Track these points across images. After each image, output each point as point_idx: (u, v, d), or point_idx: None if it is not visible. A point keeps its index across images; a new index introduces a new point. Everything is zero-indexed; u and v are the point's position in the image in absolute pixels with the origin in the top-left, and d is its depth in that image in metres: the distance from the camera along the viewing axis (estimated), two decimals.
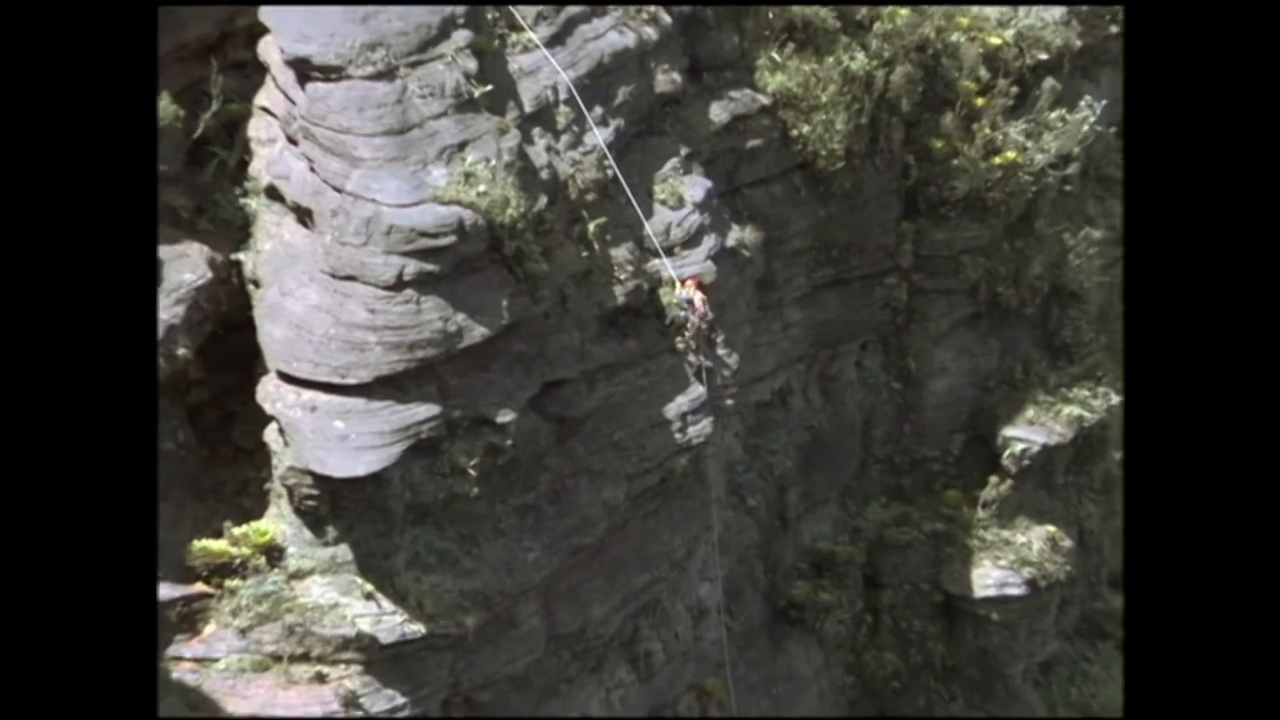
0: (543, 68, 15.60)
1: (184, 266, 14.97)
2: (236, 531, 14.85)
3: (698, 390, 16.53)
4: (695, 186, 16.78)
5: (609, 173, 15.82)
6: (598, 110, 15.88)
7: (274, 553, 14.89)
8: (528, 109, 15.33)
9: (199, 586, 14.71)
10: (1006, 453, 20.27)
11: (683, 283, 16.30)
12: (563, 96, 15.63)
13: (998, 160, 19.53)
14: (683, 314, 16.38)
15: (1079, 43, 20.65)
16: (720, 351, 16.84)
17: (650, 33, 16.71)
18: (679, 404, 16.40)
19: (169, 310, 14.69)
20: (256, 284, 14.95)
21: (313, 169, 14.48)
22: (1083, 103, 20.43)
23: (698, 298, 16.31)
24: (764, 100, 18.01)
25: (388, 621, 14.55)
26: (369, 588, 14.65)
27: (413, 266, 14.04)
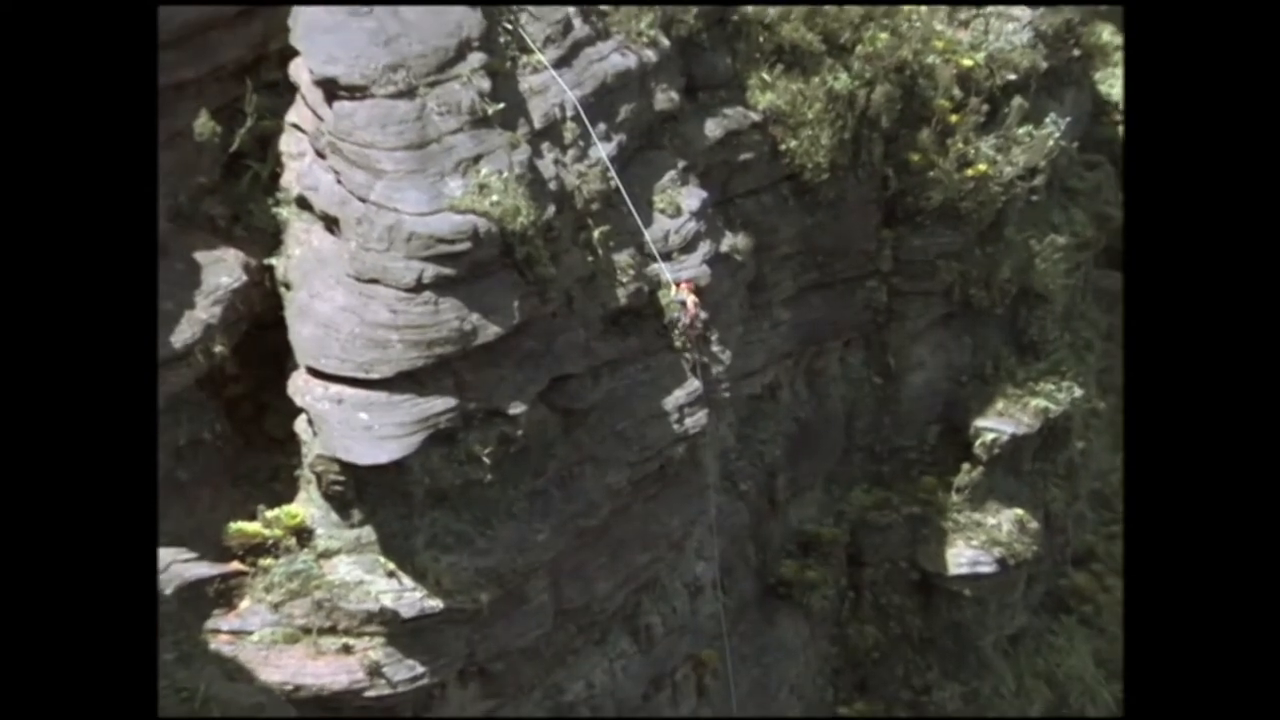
0: (551, 87, 15.61)
1: (221, 270, 15.00)
2: (269, 514, 14.91)
3: (694, 384, 16.55)
4: (691, 197, 16.78)
5: (612, 184, 15.83)
6: (601, 126, 15.89)
7: (304, 534, 14.93)
8: (537, 125, 15.33)
9: (235, 565, 14.76)
10: (978, 442, 20.30)
11: (677, 285, 16.30)
12: (569, 114, 15.64)
13: (970, 172, 19.54)
14: (676, 315, 16.39)
15: (1044, 64, 20.66)
16: (714, 348, 16.85)
17: (650, 55, 16.72)
18: (677, 397, 16.41)
19: (207, 311, 14.75)
20: (288, 287, 14.97)
21: (339, 181, 14.50)
22: (1048, 120, 20.45)
23: (690, 300, 16.32)
24: (755, 117, 18.01)
25: (408, 597, 14.58)
26: (391, 566, 14.68)
27: (431, 270, 14.05)
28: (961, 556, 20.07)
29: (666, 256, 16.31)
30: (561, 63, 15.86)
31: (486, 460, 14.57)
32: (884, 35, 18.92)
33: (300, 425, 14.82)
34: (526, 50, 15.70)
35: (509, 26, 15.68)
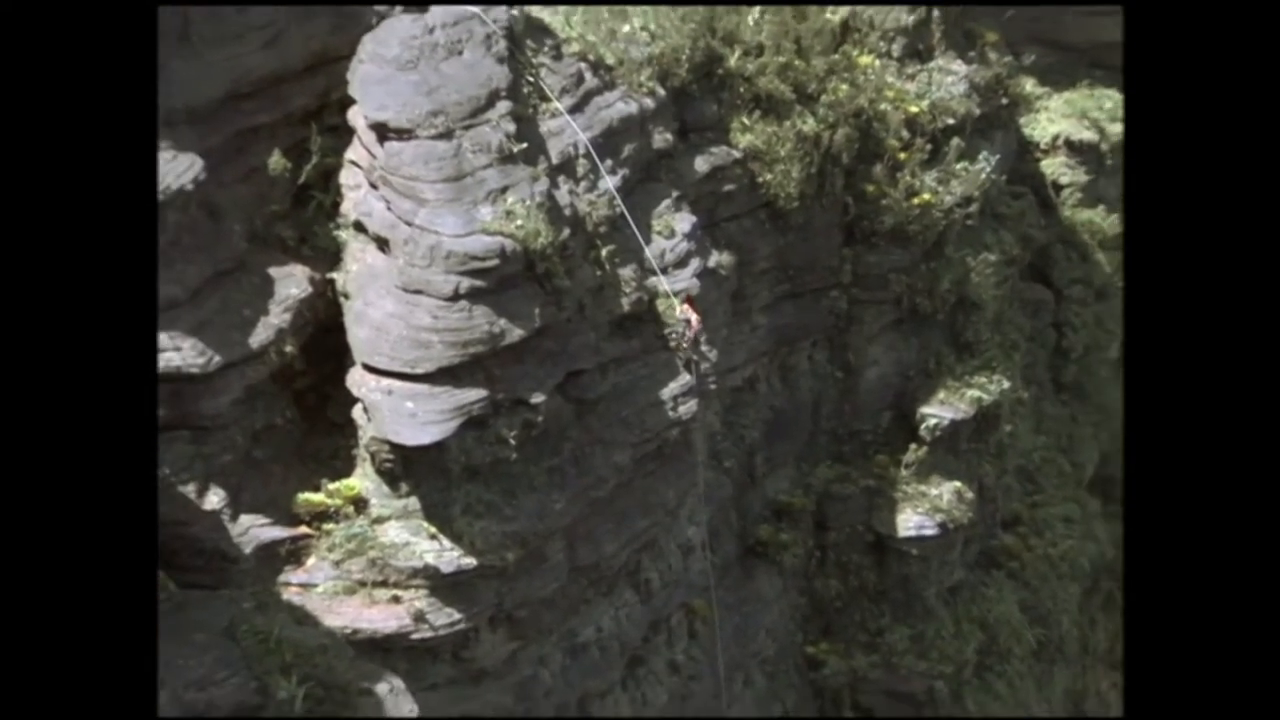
0: (566, 130, 15.54)
1: (291, 283, 14.94)
2: (331, 487, 14.83)
3: (686, 378, 16.47)
4: (684, 221, 16.69)
5: (617, 210, 15.77)
6: (608, 162, 15.82)
7: (360, 503, 14.85)
8: (554, 161, 15.27)
9: (303, 529, 14.69)
10: (923, 426, 20.23)
11: (681, 303, 16.21)
12: (581, 152, 15.58)
13: (916, 201, 19.46)
14: (680, 329, 16.28)
15: (978, 111, 20.60)
16: (703, 348, 16.76)
17: (649, 103, 16.67)
18: (671, 389, 16.34)
19: (279, 317, 14.67)
20: (346, 296, 14.90)
21: (389, 208, 14.44)
22: (981, 157, 20.40)
23: (694, 317, 16.25)
24: (737, 155, 17.93)
25: (447, 556, 14.51)
26: (433, 530, 14.61)
27: (466, 283, 14.00)
28: (909, 521, 19.98)
29: (663, 271, 16.25)
30: (575, 109, 15.79)
31: (512, 442, 14.50)
32: (844, 86, 18.85)
33: (357, 412, 14.76)
34: (545, 99, 15.64)
35: (531, 79, 15.62)
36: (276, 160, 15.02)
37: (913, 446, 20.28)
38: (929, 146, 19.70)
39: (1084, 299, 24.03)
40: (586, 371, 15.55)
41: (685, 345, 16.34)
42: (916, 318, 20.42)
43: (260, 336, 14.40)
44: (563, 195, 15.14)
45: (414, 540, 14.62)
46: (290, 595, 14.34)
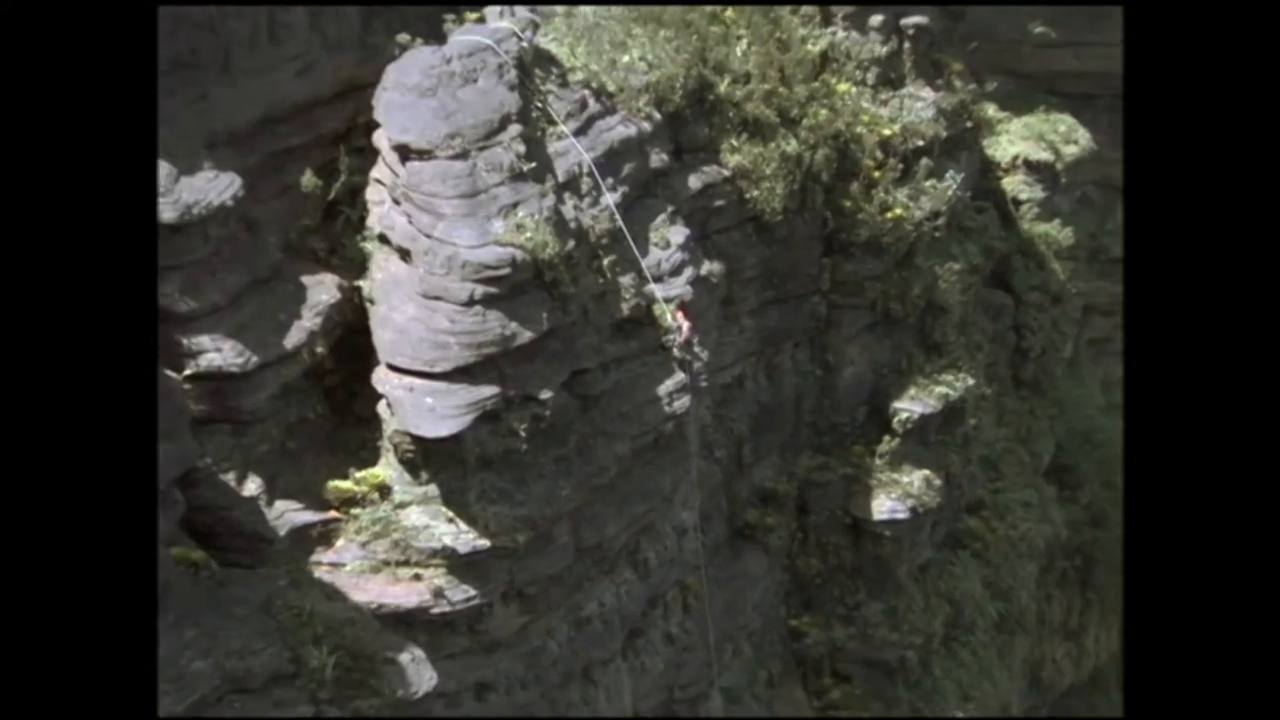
0: (571, 151, 15.54)
1: (321, 290, 14.93)
2: (358, 475, 14.84)
3: (680, 377, 16.48)
4: (678, 234, 16.69)
5: (617, 224, 15.77)
6: (609, 180, 15.82)
7: (384, 490, 14.86)
8: (561, 179, 15.27)
9: (333, 513, 14.71)
10: (895, 419, 20.22)
11: (675, 312, 16.20)
12: (585, 171, 15.58)
13: (889, 215, 19.46)
14: (673, 335, 16.29)
15: (944, 133, 20.57)
16: (696, 349, 16.77)
17: (646, 126, 16.67)
18: (667, 386, 16.34)
19: (311, 321, 14.67)
20: (372, 302, 14.91)
21: (410, 222, 14.44)
22: (948, 175, 20.39)
23: (685, 325, 16.25)
24: (726, 173, 17.92)
25: (464, 538, 14.52)
26: (450, 514, 14.62)
27: (480, 290, 14.01)
28: (883, 506, 19.98)
29: (659, 279, 16.24)
30: (579, 132, 15.79)
31: (522, 434, 14.51)
32: (824, 111, 18.86)
33: (381, 407, 14.77)
34: (552, 122, 15.64)
35: (539, 105, 15.62)
36: (308, 179, 15.03)
37: (886, 438, 20.29)
38: (900, 166, 19.69)
39: (1041, 304, 24.06)
40: (590, 370, 15.56)
41: (679, 346, 16.37)
42: (889, 321, 20.42)
43: (294, 339, 14.40)
44: (568, 210, 15.15)
45: (433, 524, 14.63)
46: (321, 573, 14.35)
